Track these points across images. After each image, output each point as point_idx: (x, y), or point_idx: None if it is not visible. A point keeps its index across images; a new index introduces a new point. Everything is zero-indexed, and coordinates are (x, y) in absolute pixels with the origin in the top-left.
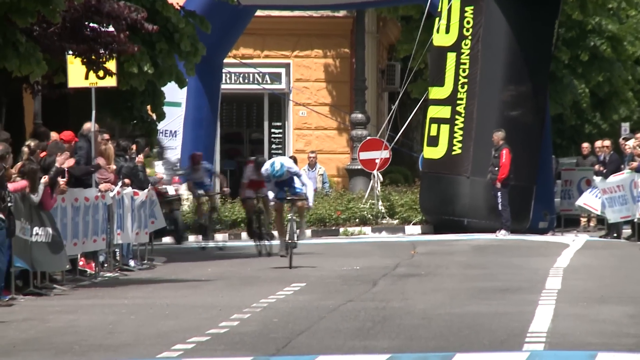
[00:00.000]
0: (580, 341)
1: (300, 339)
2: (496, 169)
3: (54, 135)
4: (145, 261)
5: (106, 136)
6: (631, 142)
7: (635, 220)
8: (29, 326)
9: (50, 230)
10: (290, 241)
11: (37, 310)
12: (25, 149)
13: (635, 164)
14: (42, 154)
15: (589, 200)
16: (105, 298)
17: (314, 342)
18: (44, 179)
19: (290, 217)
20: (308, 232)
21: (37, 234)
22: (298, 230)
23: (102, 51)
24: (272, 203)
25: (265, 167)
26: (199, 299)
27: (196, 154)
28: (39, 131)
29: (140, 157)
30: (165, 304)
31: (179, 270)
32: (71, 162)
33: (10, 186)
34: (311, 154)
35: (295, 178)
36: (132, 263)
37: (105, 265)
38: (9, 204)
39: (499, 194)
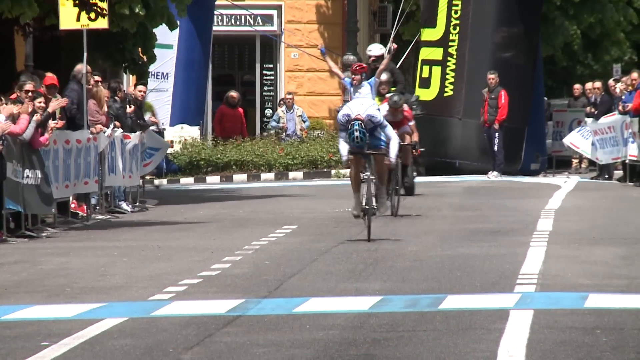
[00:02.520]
0: (571, 283)
1: (292, 281)
2: (493, 109)
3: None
4: (137, 203)
5: (97, 78)
6: (619, 85)
7: (627, 161)
8: (20, 268)
9: (39, 173)
10: (368, 207)
11: (29, 252)
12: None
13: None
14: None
15: (575, 140)
16: (97, 240)
17: (305, 284)
18: (36, 116)
19: (367, 177)
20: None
21: (27, 176)
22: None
23: None
24: (344, 158)
25: (344, 112)
26: (190, 241)
27: None
28: (30, 73)
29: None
30: (157, 246)
31: (171, 213)
32: (64, 102)
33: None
34: (288, 95)
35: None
36: (124, 205)
37: (97, 207)
38: None
39: (496, 134)
